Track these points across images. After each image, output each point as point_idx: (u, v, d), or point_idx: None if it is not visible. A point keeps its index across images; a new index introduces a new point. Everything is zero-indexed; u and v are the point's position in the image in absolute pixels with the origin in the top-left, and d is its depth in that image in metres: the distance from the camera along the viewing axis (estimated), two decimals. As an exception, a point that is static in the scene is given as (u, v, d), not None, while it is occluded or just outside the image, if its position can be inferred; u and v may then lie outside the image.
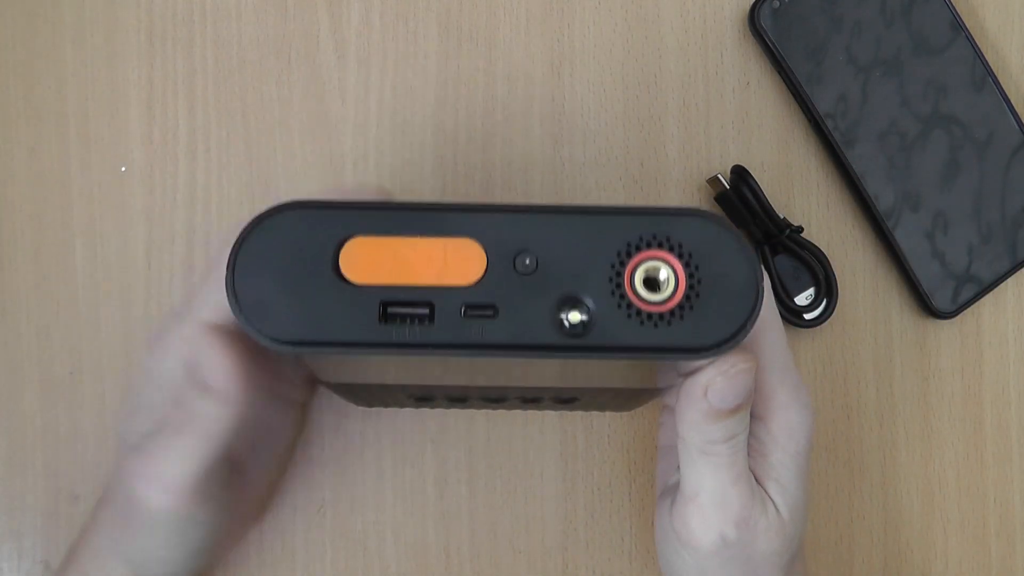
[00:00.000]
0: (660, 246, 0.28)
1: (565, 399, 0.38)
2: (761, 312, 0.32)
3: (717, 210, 0.46)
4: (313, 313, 0.28)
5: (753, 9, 0.46)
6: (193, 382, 0.34)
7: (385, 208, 0.29)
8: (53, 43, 0.46)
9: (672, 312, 0.28)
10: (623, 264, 0.28)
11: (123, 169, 0.46)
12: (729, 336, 0.29)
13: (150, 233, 0.46)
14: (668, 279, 0.28)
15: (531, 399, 0.39)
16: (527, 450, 0.46)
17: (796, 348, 0.47)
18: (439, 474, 0.46)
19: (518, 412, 0.46)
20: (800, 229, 0.46)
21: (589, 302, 0.28)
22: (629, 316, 0.28)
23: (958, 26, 0.46)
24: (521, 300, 0.28)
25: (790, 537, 0.36)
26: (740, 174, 0.45)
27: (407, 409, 0.45)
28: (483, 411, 0.46)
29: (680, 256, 0.28)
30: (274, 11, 0.46)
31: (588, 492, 0.46)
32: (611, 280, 0.28)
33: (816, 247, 0.46)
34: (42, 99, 0.46)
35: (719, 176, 0.46)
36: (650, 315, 0.28)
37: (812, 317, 0.46)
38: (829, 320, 0.46)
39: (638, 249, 0.28)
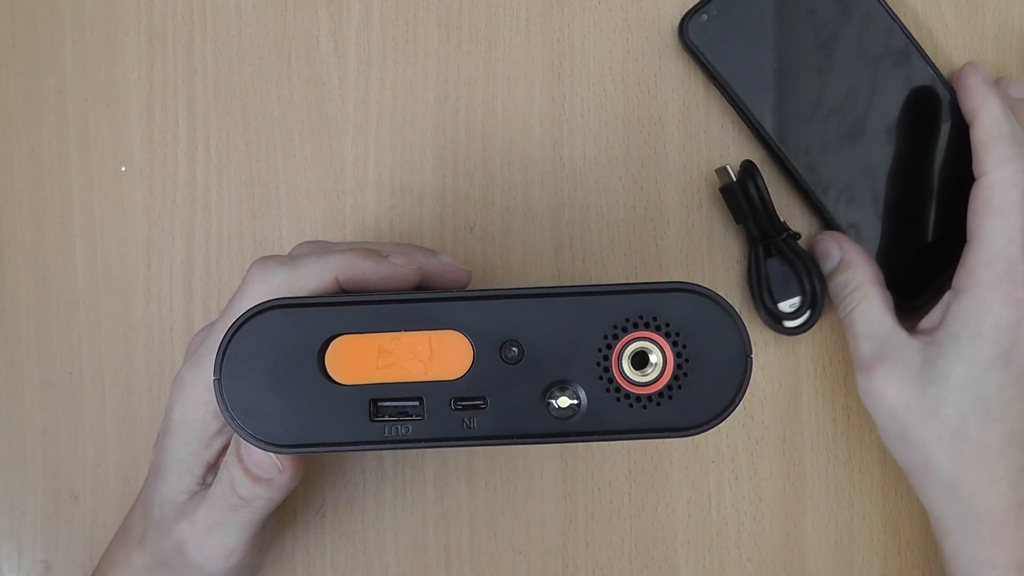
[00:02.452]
0: (647, 327, 0.28)
1: None
2: (1001, 199, 0.39)
3: (720, 200, 0.46)
4: (303, 415, 0.28)
5: (683, 23, 0.46)
6: (243, 470, 0.34)
7: (368, 303, 0.29)
8: (53, 43, 0.46)
9: (661, 393, 0.28)
10: (610, 348, 0.29)
11: (123, 169, 0.46)
12: (719, 413, 0.29)
13: (150, 233, 0.46)
14: (656, 360, 0.28)
15: None
16: (527, 450, 0.46)
17: (777, 354, 0.47)
18: (439, 474, 0.46)
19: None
20: (797, 236, 0.46)
21: (577, 387, 0.28)
22: (618, 399, 0.28)
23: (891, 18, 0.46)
24: (509, 389, 0.28)
25: (935, 399, 0.39)
26: (748, 170, 0.45)
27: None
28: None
29: (667, 336, 0.28)
30: (274, 11, 0.46)
31: (588, 492, 0.46)
32: (598, 364, 0.29)
33: (811, 257, 0.45)
34: (42, 99, 0.46)
35: (728, 167, 0.45)
36: (639, 397, 0.28)
37: (792, 326, 0.45)
38: (819, 324, 0.46)
39: (624, 331, 0.28)
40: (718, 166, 0.46)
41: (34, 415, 0.45)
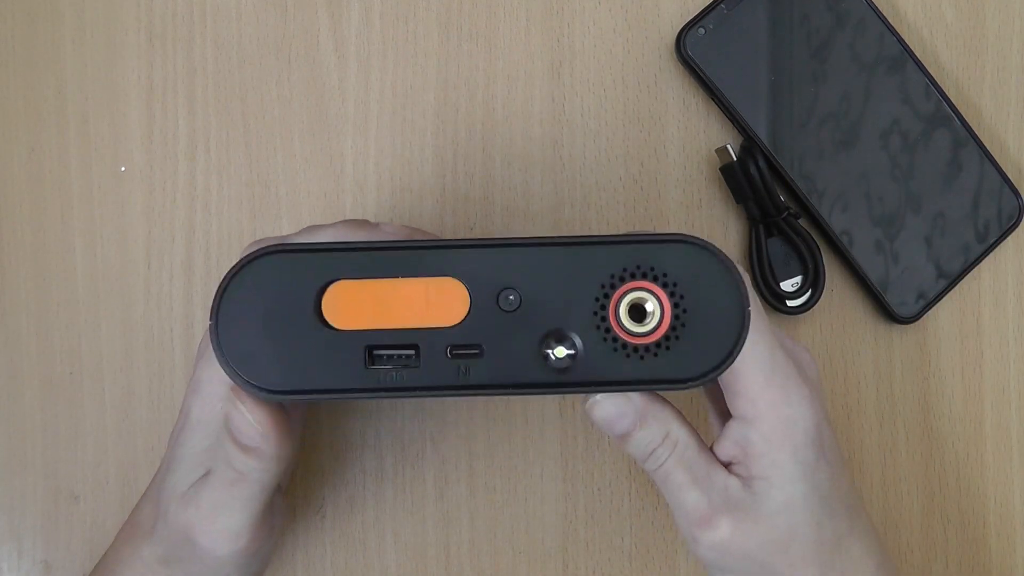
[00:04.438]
0: (644, 277, 0.28)
1: None
2: None
3: (720, 180, 0.46)
4: (299, 361, 0.28)
5: (680, 37, 0.46)
6: (232, 441, 0.34)
7: (365, 249, 0.29)
8: (53, 43, 0.46)
9: (658, 343, 0.28)
10: (607, 297, 0.28)
11: (123, 169, 0.46)
12: (717, 365, 0.28)
13: (150, 233, 0.46)
14: (653, 310, 0.28)
15: None
16: (527, 450, 0.46)
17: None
18: (439, 474, 0.46)
19: (518, 412, 0.46)
20: (798, 215, 0.46)
21: (574, 337, 0.28)
22: (615, 349, 0.28)
23: (888, 30, 0.46)
24: (506, 338, 0.28)
25: (783, 527, 0.36)
26: (749, 149, 0.45)
27: (407, 409, 0.45)
28: (483, 411, 0.46)
29: (665, 286, 0.28)
30: (274, 11, 0.46)
31: (588, 492, 0.46)
32: (596, 314, 0.28)
33: (811, 236, 0.46)
34: (42, 99, 0.46)
35: (728, 146, 0.45)
36: (636, 347, 0.28)
37: (795, 305, 0.46)
38: (820, 314, 0.46)
39: (622, 281, 0.28)
40: (718, 146, 0.46)
41: (34, 415, 0.45)
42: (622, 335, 0.28)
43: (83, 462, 0.45)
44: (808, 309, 0.46)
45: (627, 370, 0.28)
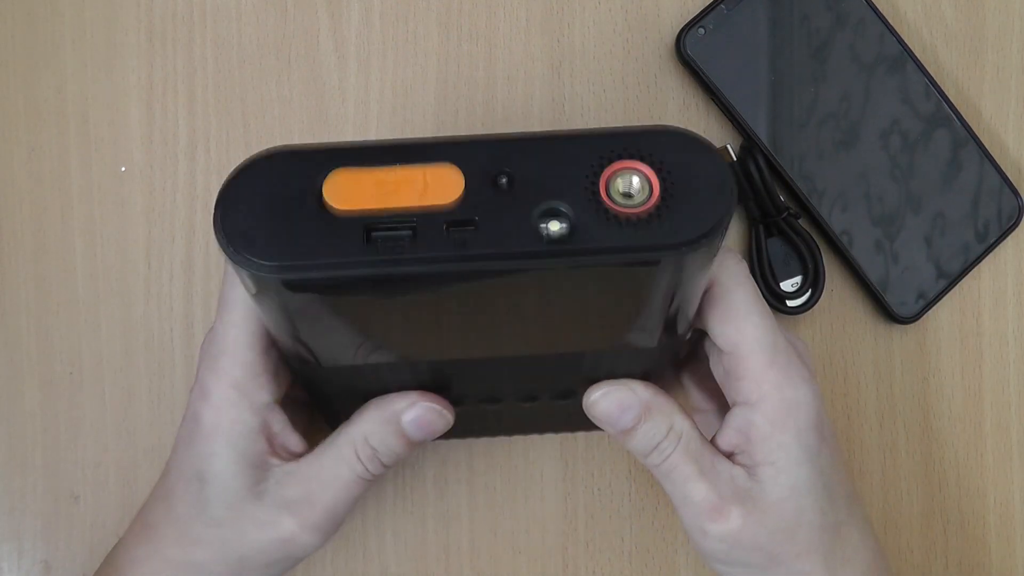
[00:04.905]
0: (631, 157, 0.30)
1: (563, 392, 0.39)
2: (742, 296, 0.35)
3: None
4: (300, 242, 0.29)
5: (679, 38, 0.46)
6: (405, 438, 0.37)
7: (366, 143, 0.30)
8: (53, 43, 0.46)
9: (649, 214, 0.29)
10: (597, 175, 0.29)
11: (123, 169, 0.46)
12: (707, 231, 0.29)
13: (150, 233, 0.46)
14: (642, 185, 0.29)
15: (529, 396, 0.39)
16: (527, 450, 0.46)
17: (796, 348, 0.47)
18: (439, 474, 0.46)
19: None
20: (798, 215, 0.46)
21: (567, 210, 0.29)
22: (608, 220, 0.29)
23: (888, 30, 0.47)
24: (501, 214, 0.29)
25: (791, 513, 0.36)
26: (749, 150, 0.45)
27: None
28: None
29: (652, 164, 0.29)
30: (274, 11, 0.46)
31: (588, 492, 0.46)
32: (587, 189, 0.29)
33: (811, 236, 0.46)
34: (42, 99, 0.46)
35: (728, 147, 0.46)
36: (628, 218, 0.29)
37: (794, 305, 0.46)
38: (820, 314, 0.46)
39: (611, 160, 0.29)
40: (718, 146, 0.46)
41: (34, 415, 0.45)
42: (613, 207, 0.29)
43: (83, 462, 0.45)
44: (808, 309, 0.46)
45: (620, 238, 0.29)
